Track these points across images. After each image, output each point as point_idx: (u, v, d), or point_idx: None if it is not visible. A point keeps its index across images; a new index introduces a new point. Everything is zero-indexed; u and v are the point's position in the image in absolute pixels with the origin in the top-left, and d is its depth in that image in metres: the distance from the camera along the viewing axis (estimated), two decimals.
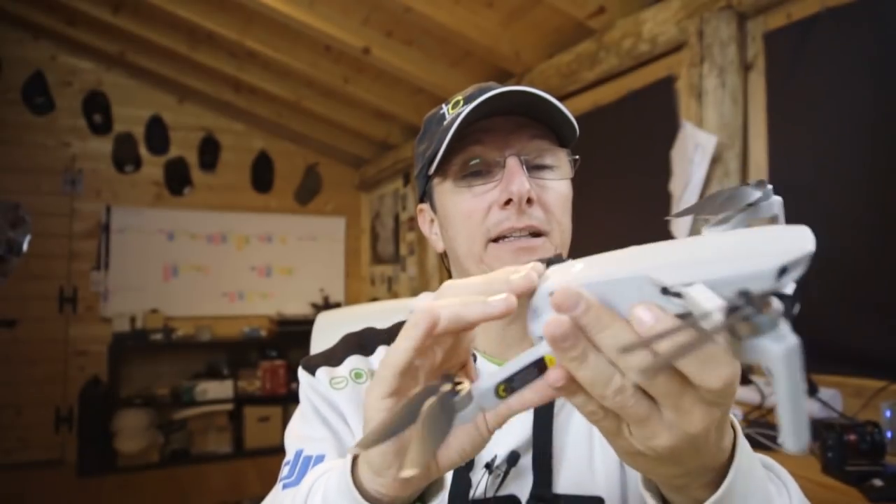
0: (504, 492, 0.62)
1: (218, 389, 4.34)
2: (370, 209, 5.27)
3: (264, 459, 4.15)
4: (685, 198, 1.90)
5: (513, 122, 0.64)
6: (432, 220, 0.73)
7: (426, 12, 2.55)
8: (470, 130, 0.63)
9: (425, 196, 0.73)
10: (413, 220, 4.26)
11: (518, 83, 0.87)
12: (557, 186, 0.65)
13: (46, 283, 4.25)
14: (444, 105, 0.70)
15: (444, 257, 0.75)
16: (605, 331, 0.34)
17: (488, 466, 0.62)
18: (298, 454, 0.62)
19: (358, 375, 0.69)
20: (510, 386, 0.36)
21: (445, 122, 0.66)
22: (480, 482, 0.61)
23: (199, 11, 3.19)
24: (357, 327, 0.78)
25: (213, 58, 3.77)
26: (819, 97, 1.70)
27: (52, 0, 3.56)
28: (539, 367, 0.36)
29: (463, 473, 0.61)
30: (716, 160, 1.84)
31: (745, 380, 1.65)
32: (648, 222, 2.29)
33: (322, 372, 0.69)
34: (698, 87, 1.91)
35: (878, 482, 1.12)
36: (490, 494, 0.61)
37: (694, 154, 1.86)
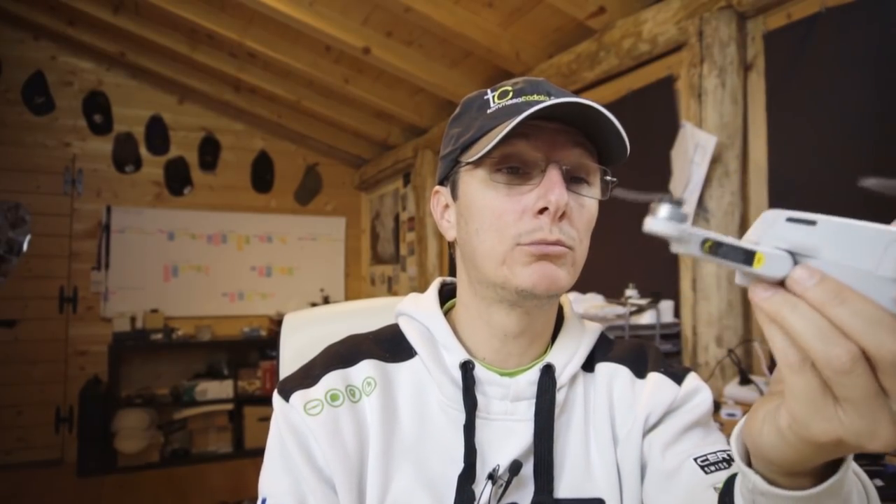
0: (506, 501, 0.62)
1: (218, 389, 4.34)
2: (370, 209, 5.27)
3: None
4: (685, 198, 1.90)
5: (557, 125, 0.62)
6: (446, 206, 0.70)
7: (426, 12, 2.55)
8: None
9: (446, 179, 0.70)
10: (413, 220, 4.26)
11: None
12: (589, 205, 0.64)
13: (46, 283, 4.25)
14: (488, 91, 0.67)
15: (452, 245, 0.73)
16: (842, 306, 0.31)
17: (491, 477, 0.61)
18: (263, 502, 0.62)
19: (334, 398, 0.64)
20: (716, 249, 0.37)
21: (490, 111, 0.64)
22: (483, 493, 0.60)
23: (199, 11, 3.19)
24: (327, 329, 0.75)
25: (213, 58, 3.78)
26: (819, 97, 1.71)
27: (53, 0, 3.56)
28: (746, 255, 0.36)
29: (466, 486, 0.60)
30: (716, 160, 1.84)
31: (746, 380, 1.66)
32: None
33: (297, 397, 0.64)
34: (698, 87, 1.91)
35: (878, 482, 1.12)
36: None
37: (694, 154, 1.86)
